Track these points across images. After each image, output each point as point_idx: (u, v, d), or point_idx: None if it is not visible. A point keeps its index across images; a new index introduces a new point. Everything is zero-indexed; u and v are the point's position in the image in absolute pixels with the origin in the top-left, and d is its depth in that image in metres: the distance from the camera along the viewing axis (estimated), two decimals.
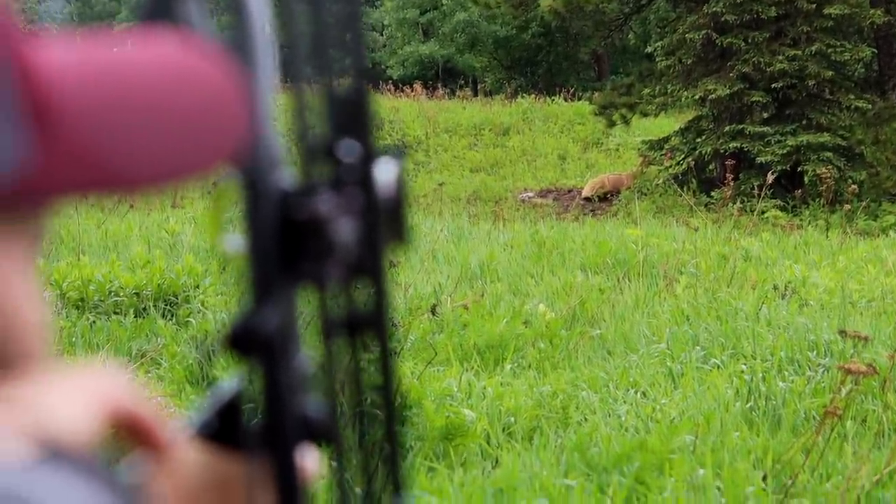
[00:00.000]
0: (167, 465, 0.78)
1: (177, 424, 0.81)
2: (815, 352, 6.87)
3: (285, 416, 0.72)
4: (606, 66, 45.48)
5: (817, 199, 17.97)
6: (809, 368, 6.60)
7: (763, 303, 8.38)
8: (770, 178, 15.02)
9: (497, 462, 5.34)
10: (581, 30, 31.00)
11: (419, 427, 5.39)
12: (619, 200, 20.33)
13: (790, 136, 19.13)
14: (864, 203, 17.51)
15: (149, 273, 8.44)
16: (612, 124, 23.17)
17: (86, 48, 0.61)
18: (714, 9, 19.66)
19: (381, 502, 0.79)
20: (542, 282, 9.89)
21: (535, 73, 44.50)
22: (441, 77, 45.06)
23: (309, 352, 0.74)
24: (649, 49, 23.43)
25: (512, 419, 5.82)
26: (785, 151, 18.89)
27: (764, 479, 4.92)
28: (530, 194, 22.53)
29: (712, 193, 18.96)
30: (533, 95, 34.47)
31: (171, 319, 7.94)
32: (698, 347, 7.17)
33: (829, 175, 17.71)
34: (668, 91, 20.85)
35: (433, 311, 7.95)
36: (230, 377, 0.83)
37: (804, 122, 19.58)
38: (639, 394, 6.41)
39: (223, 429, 0.84)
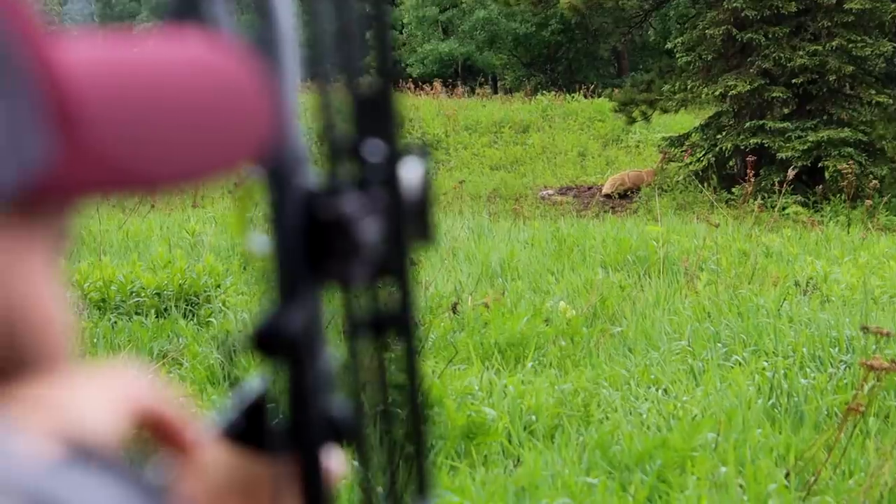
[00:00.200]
0: (193, 466, 0.79)
1: (202, 424, 0.82)
2: (837, 348, 6.85)
3: (311, 416, 0.72)
4: (626, 63, 45.43)
5: (838, 195, 17.92)
6: (831, 365, 6.58)
7: (784, 299, 8.36)
8: (791, 173, 14.97)
9: (519, 460, 5.33)
10: (601, 26, 30.98)
11: (441, 426, 5.39)
12: (640, 197, 20.29)
13: (811, 131, 19.09)
14: (885, 198, 17.46)
15: (170, 273, 8.45)
16: (632, 121, 23.17)
17: (108, 48, 0.61)
18: (734, 4, 19.62)
19: (404, 502, 0.79)
20: (562, 279, 9.88)
21: (555, 70, 44.48)
22: (461, 75, 45.09)
23: (334, 351, 0.74)
24: (669, 45, 23.38)
25: (533, 417, 5.82)
26: (806, 147, 18.86)
27: (786, 476, 4.91)
28: (550, 191, 22.51)
29: (733, 190, 18.92)
30: (553, 92, 34.49)
31: (192, 319, 7.94)
32: (720, 344, 7.16)
33: (849, 170, 17.65)
34: (689, 87, 20.83)
35: (454, 310, 7.94)
36: (255, 377, 0.83)
37: (825, 117, 19.54)
38: (660, 391, 6.40)
39: (249, 429, 0.84)
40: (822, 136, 18.84)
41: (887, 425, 5.67)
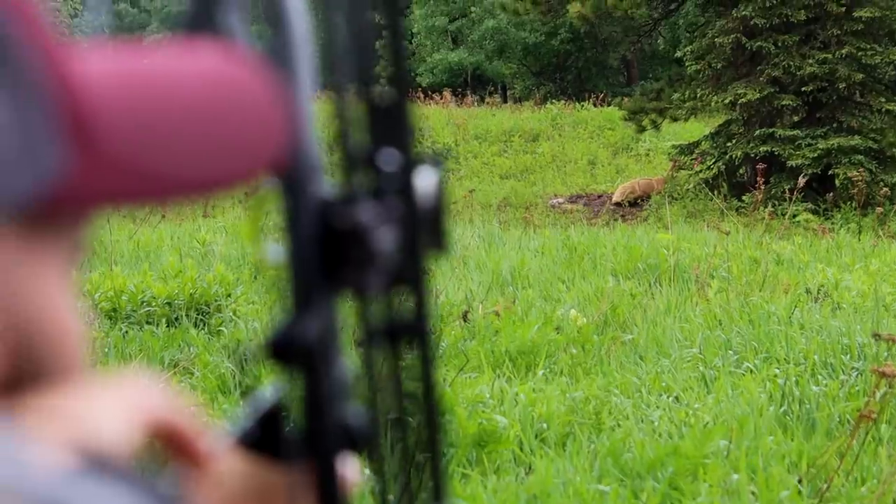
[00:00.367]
0: (208, 475, 0.79)
1: (216, 433, 0.82)
2: (848, 355, 6.84)
3: (326, 424, 0.73)
4: (636, 72, 45.44)
5: (849, 202, 17.89)
6: (843, 372, 6.56)
7: (795, 306, 8.34)
8: (801, 181, 14.93)
9: (530, 468, 5.33)
10: (610, 35, 31.05)
11: (452, 434, 5.38)
12: (650, 205, 20.28)
13: (821, 139, 19.07)
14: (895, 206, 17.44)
15: (181, 283, 8.45)
16: (641, 129, 23.15)
17: (121, 58, 0.62)
18: (743, 13, 19.63)
19: None
20: (573, 287, 9.88)
21: (565, 78, 44.49)
22: (470, 84, 45.10)
23: (349, 359, 0.75)
24: (679, 54, 23.37)
25: (545, 425, 5.81)
26: (816, 155, 18.84)
27: (799, 483, 4.90)
28: (560, 200, 22.51)
29: (743, 197, 18.88)
30: (562, 101, 34.48)
31: (203, 329, 7.95)
32: (731, 352, 7.15)
33: (860, 178, 17.62)
34: (698, 95, 20.82)
35: (465, 318, 7.94)
36: (268, 385, 0.83)
37: (835, 125, 19.52)
38: (672, 399, 6.39)
39: (263, 437, 0.84)
40: (833, 144, 18.83)
41: None
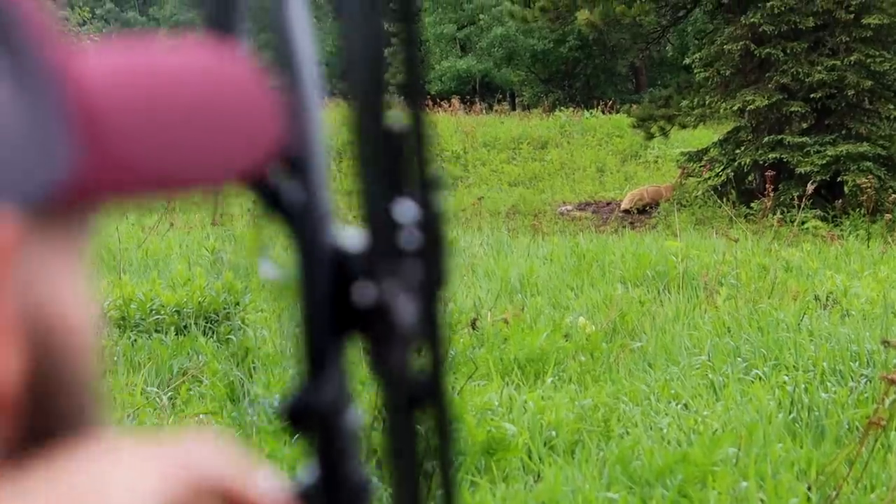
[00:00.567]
0: None
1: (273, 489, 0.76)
2: (857, 362, 6.83)
3: (339, 482, 0.71)
4: (644, 79, 45.45)
5: (858, 209, 17.89)
6: (852, 379, 6.55)
7: (804, 313, 8.33)
8: (810, 188, 14.92)
9: (539, 476, 5.33)
10: (618, 42, 31.05)
11: (460, 442, 5.38)
12: (659, 212, 20.28)
13: (830, 146, 19.07)
14: None
15: (189, 291, 8.46)
16: (650, 136, 23.14)
17: (127, 55, 0.62)
18: (752, 20, 19.63)
19: None
20: (581, 295, 9.88)
21: (573, 86, 44.54)
22: (479, 91, 45.14)
23: (362, 416, 0.72)
24: (687, 61, 23.40)
25: (553, 433, 5.81)
26: (825, 162, 18.83)
27: (808, 490, 4.90)
28: (569, 207, 22.51)
29: (752, 204, 18.88)
30: (571, 108, 34.56)
31: (211, 337, 7.95)
32: (740, 359, 7.14)
33: (869, 185, 17.63)
34: (707, 102, 20.81)
35: (473, 326, 7.93)
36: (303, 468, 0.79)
37: (844, 132, 19.52)
38: (680, 406, 6.38)
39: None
40: (841, 151, 18.81)
41: None
